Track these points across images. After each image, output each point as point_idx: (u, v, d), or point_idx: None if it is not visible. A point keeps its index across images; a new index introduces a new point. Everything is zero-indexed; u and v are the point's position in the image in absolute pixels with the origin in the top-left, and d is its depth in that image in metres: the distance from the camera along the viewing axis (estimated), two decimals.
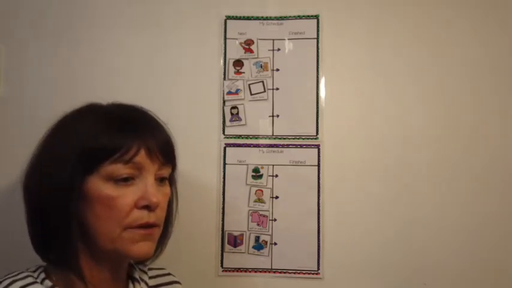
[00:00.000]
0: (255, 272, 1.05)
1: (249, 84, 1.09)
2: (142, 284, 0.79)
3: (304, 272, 1.04)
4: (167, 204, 0.74)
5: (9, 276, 0.67)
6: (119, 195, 0.66)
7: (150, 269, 0.84)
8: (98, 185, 0.67)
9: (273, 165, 1.07)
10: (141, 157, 0.68)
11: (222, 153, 1.07)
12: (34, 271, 0.70)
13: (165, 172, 0.72)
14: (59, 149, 0.69)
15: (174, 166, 0.76)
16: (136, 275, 0.79)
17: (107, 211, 0.66)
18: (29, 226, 0.71)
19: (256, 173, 1.07)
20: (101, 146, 0.67)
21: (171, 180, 0.76)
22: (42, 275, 0.69)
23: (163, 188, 0.72)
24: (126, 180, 0.67)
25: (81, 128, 0.70)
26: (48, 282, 0.68)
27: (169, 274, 0.87)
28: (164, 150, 0.71)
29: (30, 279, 0.67)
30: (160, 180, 0.72)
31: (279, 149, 1.07)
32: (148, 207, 0.67)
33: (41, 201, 0.69)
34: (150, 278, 0.82)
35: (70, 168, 0.66)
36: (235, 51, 1.10)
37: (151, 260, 0.80)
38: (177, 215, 0.81)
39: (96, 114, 0.72)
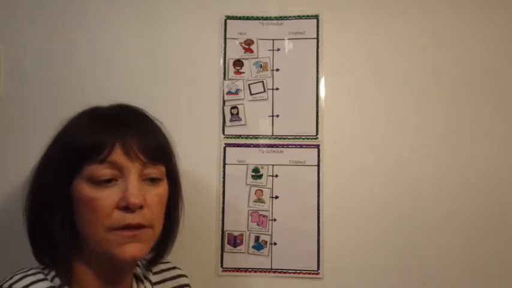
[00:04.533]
0: (255, 272, 1.05)
1: (249, 84, 1.09)
2: (146, 283, 0.79)
3: (304, 272, 1.04)
4: (164, 204, 0.72)
5: (20, 271, 0.68)
6: (100, 196, 0.65)
7: None
8: (81, 187, 0.66)
9: (273, 165, 1.07)
10: (117, 155, 0.66)
11: (222, 153, 1.07)
12: (44, 268, 0.70)
13: (154, 172, 0.70)
14: (51, 154, 0.71)
15: (168, 165, 0.73)
16: (140, 274, 0.79)
17: (90, 213, 0.66)
18: (27, 230, 0.72)
19: (256, 173, 1.07)
20: (79, 147, 0.67)
21: (170, 179, 0.74)
22: (53, 273, 0.69)
23: (155, 188, 0.70)
24: (108, 180, 0.66)
25: (68, 131, 0.71)
26: (57, 280, 0.68)
27: (174, 268, 0.87)
28: (146, 149, 0.68)
29: (40, 276, 0.68)
30: (151, 180, 0.70)
31: (279, 149, 1.07)
32: (128, 208, 0.65)
33: (34, 206, 0.70)
34: (154, 273, 0.83)
35: (57, 171, 0.68)
36: (235, 51, 1.10)
37: (153, 260, 0.80)
38: (183, 215, 0.80)
39: (85, 116, 0.72)
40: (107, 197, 0.65)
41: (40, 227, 0.70)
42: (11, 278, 0.66)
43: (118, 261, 0.67)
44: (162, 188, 0.72)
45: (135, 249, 0.66)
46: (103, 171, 0.66)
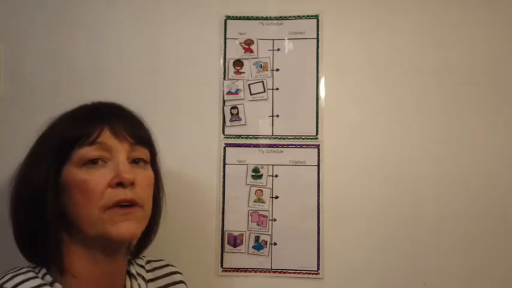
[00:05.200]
0: (255, 272, 1.05)
1: (249, 84, 1.09)
2: (140, 280, 0.79)
3: (304, 272, 1.04)
4: (152, 188, 0.74)
5: (11, 271, 0.68)
6: (91, 178, 0.67)
7: (148, 262, 0.84)
8: (72, 172, 0.68)
9: (273, 165, 1.07)
10: (106, 137, 0.69)
11: (222, 153, 1.07)
12: (35, 267, 0.70)
13: (140, 154, 0.73)
14: (37, 148, 0.73)
15: (151, 150, 0.77)
16: (133, 271, 0.79)
17: (83, 195, 0.67)
18: (14, 227, 0.72)
19: (256, 173, 1.07)
20: (68, 134, 0.69)
21: (153, 167, 0.77)
22: (44, 270, 0.69)
23: (143, 170, 0.73)
24: (96, 162, 0.68)
25: (53, 126, 0.73)
26: (48, 278, 0.68)
27: (167, 265, 0.87)
28: (132, 130, 0.72)
29: (31, 274, 0.68)
30: (137, 161, 0.72)
31: (279, 149, 1.07)
32: (122, 184, 0.68)
33: (22, 200, 0.71)
34: (148, 271, 0.83)
35: (44, 161, 0.69)
36: (235, 51, 1.10)
37: (138, 248, 0.80)
38: (164, 205, 0.81)
39: (68, 112, 0.75)
40: (99, 177, 0.67)
41: (31, 218, 0.70)
42: (1, 277, 0.67)
43: (114, 240, 0.68)
44: (149, 172, 0.74)
45: (130, 226, 0.68)
46: (93, 152, 0.68)
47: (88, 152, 0.68)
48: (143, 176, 0.72)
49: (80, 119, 0.71)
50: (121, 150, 0.70)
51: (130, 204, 0.68)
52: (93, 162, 0.68)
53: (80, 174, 0.68)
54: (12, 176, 0.73)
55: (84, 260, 0.70)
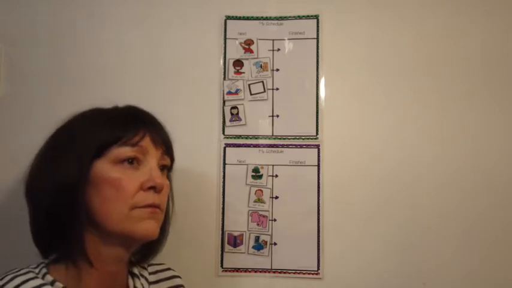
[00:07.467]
0: (255, 272, 1.05)
1: (249, 84, 1.09)
2: (142, 280, 0.80)
3: (304, 272, 1.04)
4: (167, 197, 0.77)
5: (11, 272, 0.68)
6: (126, 177, 0.70)
7: (149, 265, 0.85)
8: (106, 169, 0.70)
9: (273, 165, 1.07)
10: (146, 142, 0.73)
11: (222, 153, 1.07)
12: (35, 267, 0.71)
13: (166, 162, 0.78)
14: (63, 143, 0.73)
15: (172, 160, 0.80)
16: (136, 271, 0.80)
17: (115, 192, 0.69)
18: (32, 223, 0.73)
19: (256, 173, 1.07)
20: (108, 136, 0.71)
21: (168, 177, 0.80)
22: (44, 270, 0.70)
23: (165, 179, 0.76)
24: (132, 162, 0.71)
25: (82, 125, 0.75)
26: (49, 277, 0.68)
27: (169, 269, 0.88)
28: (165, 141, 0.77)
29: (31, 275, 0.68)
30: (162, 168, 0.76)
31: (279, 149, 1.07)
32: (154, 188, 0.71)
33: (47, 194, 0.70)
34: (150, 273, 0.83)
35: (78, 154, 0.70)
36: (235, 51, 1.10)
37: (146, 255, 0.81)
38: (173, 214, 0.82)
39: (98, 112, 0.77)
40: (133, 178, 0.71)
41: (56, 209, 0.70)
42: (1, 279, 0.67)
43: (138, 235, 0.70)
44: (168, 180, 0.78)
45: (154, 226, 0.72)
46: (131, 153, 0.71)
47: (127, 152, 0.71)
48: (165, 183, 0.75)
49: (121, 122, 0.74)
50: (155, 156, 0.74)
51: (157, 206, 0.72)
52: (128, 161, 0.71)
53: (114, 171, 0.70)
54: (30, 170, 0.73)
55: (96, 257, 0.71)
